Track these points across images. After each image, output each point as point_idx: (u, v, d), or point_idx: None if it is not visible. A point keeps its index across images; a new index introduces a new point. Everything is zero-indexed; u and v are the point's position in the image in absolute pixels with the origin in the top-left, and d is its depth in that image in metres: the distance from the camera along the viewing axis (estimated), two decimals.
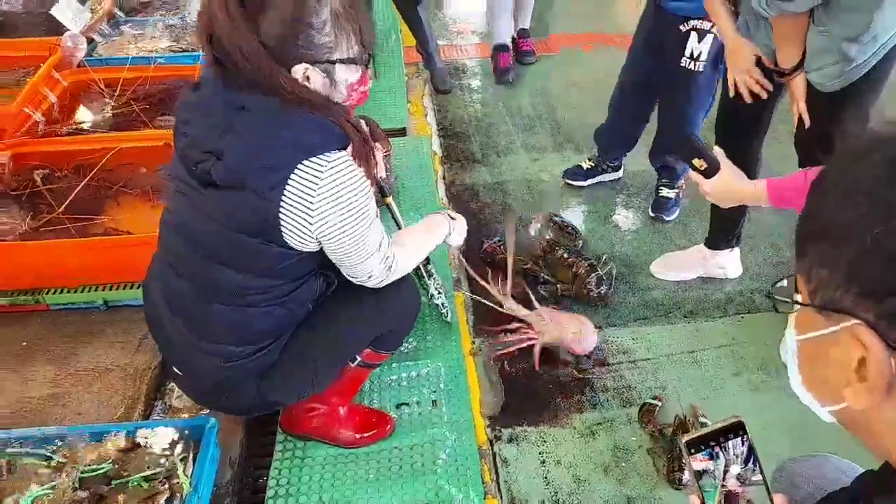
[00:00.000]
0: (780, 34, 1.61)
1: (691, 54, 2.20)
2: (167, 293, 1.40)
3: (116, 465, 1.45)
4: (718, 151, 1.42)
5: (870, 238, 0.53)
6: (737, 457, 0.72)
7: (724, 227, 2.23)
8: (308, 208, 1.20)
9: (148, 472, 1.43)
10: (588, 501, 1.63)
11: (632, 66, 2.47)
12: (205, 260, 1.30)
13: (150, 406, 1.78)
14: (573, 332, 1.95)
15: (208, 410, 1.72)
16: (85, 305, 2.00)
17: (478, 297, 2.08)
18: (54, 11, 2.68)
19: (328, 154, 1.19)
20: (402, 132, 3.06)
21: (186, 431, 1.50)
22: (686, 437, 0.73)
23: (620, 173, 2.80)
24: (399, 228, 1.92)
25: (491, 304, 2.05)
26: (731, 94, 1.84)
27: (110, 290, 2.00)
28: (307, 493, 1.59)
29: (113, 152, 2.17)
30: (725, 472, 0.72)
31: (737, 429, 0.73)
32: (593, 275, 2.18)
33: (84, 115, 2.50)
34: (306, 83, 1.21)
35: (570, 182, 2.81)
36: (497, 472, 1.69)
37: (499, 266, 2.31)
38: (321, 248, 1.30)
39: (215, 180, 1.20)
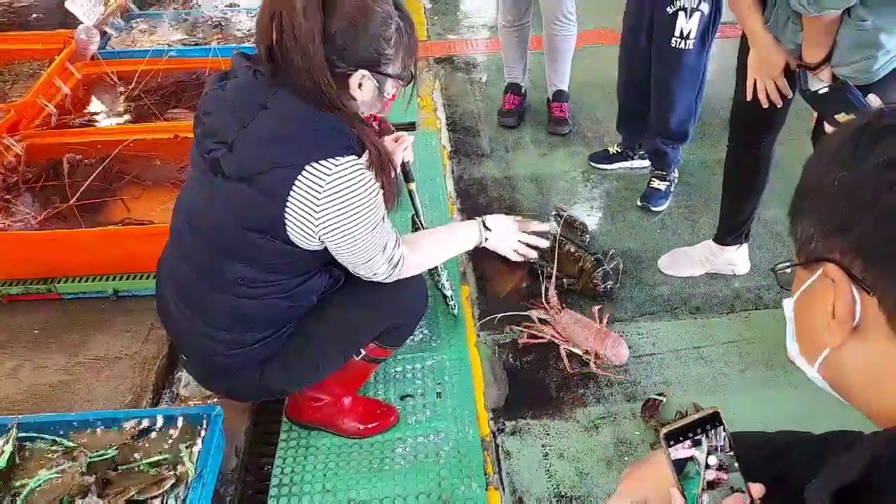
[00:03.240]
0: (813, 31, 1.59)
1: (681, 33, 2.25)
2: (175, 278, 1.42)
3: (124, 451, 1.48)
4: (875, 99, 1.21)
5: (836, 182, 0.61)
6: (718, 446, 0.73)
7: (734, 222, 2.21)
8: (313, 208, 1.21)
9: (154, 458, 1.46)
10: (590, 495, 1.63)
11: (627, 51, 2.51)
12: (209, 249, 1.32)
13: (157, 395, 1.81)
14: (610, 343, 1.95)
15: (215, 399, 1.75)
16: (96, 294, 2.03)
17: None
18: (68, 5, 2.71)
19: (339, 157, 1.21)
20: (411, 127, 3.07)
21: (193, 419, 1.52)
22: (665, 429, 0.73)
23: (648, 162, 2.75)
24: (417, 214, 1.93)
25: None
26: (749, 96, 1.82)
27: (120, 279, 2.03)
28: (311, 481, 1.61)
29: (123, 145, 2.20)
30: (707, 460, 0.73)
31: (713, 419, 0.73)
32: (600, 269, 2.18)
33: (96, 108, 2.54)
34: (358, 90, 1.25)
35: (595, 165, 2.84)
36: (500, 465, 1.70)
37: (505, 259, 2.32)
38: (326, 247, 1.31)
39: (224, 171, 1.22)
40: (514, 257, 1.70)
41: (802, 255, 0.67)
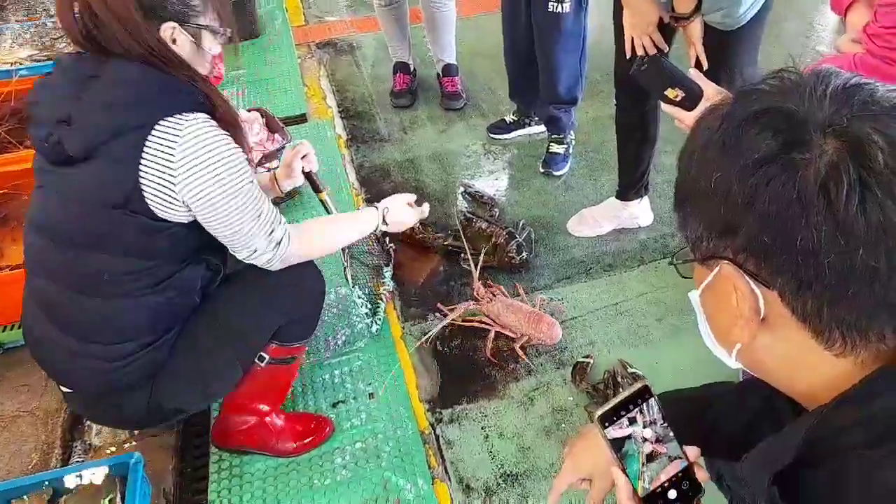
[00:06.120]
0: None
1: None
2: (38, 300, 1.31)
3: None
4: (696, 74, 1.22)
5: (712, 184, 0.59)
6: (651, 419, 0.73)
7: (632, 177, 2.27)
8: (170, 168, 1.16)
9: None
10: (535, 468, 1.66)
11: (509, 20, 2.51)
12: (68, 249, 1.24)
13: (68, 449, 1.67)
14: (544, 326, 1.93)
15: (134, 442, 1.64)
16: None
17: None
18: None
19: (187, 114, 1.17)
20: (302, 119, 2.95)
21: (111, 471, 1.41)
22: (598, 412, 0.73)
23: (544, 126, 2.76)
24: None
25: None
26: (628, 54, 1.85)
27: (5, 331, 1.85)
28: None
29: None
30: (643, 434, 0.73)
31: (643, 393, 0.74)
32: (513, 242, 2.19)
33: None
34: (173, 45, 1.21)
35: (494, 136, 2.83)
36: (442, 456, 1.69)
37: (419, 245, 2.29)
38: (196, 223, 1.24)
39: (68, 151, 1.16)
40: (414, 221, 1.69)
41: (697, 252, 0.65)
